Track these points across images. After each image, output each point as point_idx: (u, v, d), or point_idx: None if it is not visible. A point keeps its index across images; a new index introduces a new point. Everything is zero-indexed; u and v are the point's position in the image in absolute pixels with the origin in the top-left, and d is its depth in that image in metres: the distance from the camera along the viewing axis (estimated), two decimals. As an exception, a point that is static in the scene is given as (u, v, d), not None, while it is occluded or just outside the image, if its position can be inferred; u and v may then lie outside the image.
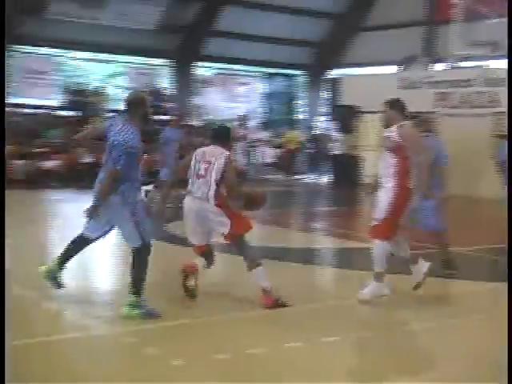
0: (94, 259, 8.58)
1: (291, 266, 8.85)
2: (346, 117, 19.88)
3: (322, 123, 26.65)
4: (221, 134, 6.91)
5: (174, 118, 15.35)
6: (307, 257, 9.73)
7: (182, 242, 10.30)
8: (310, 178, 23.16)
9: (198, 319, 6.16)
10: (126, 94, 6.50)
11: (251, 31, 25.51)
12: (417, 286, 6.97)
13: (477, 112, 17.84)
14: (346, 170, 20.01)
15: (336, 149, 22.53)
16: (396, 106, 7.00)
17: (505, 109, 17.43)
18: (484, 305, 7.15)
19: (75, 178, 17.31)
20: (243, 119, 22.85)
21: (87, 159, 18.63)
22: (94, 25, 21.62)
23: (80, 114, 21.46)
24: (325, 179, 21.96)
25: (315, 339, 5.61)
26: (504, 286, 7.89)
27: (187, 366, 4.98)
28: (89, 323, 6.05)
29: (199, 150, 6.76)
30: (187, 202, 6.70)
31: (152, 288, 6.37)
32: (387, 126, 6.89)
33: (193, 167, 6.67)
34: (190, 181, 6.69)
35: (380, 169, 6.80)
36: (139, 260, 6.06)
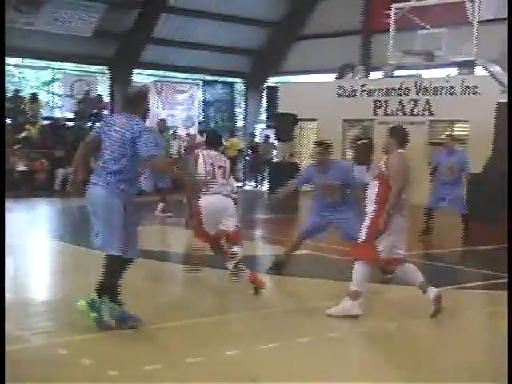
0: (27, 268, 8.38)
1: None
2: (284, 124, 20.00)
3: (261, 131, 26.78)
4: (215, 140, 7.84)
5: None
6: (246, 264, 9.71)
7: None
8: (249, 186, 23.22)
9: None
10: (129, 89, 6.56)
11: (189, 39, 25.47)
12: (435, 314, 6.74)
13: (412, 120, 18.21)
14: (284, 177, 20.07)
15: (274, 156, 22.67)
16: (395, 133, 6.96)
17: (438, 117, 17.92)
18: (420, 310, 7.26)
19: (10, 187, 16.91)
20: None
21: (22, 167, 18.26)
22: (28, 30, 21.20)
23: (12, 121, 20.94)
24: (264, 186, 22.04)
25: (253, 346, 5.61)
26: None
27: (122, 377, 4.91)
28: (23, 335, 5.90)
29: (206, 153, 7.52)
30: (212, 199, 7.37)
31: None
32: (386, 153, 6.85)
33: (207, 168, 7.42)
34: (212, 181, 7.42)
35: (368, 193, 6.88)
36: (117, 268, 5.86)
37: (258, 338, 5.87)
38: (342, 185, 8.21)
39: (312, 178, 8.45)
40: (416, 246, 11.67)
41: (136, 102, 5.98)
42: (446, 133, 17.94)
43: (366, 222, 6.76)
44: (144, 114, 6.01)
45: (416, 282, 6.87)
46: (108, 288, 5.84)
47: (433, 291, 6.76)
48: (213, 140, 7.83)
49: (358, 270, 6.70)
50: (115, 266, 5.83)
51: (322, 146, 8.40)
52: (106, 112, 23.58)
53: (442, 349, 5.89)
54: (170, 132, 24.35)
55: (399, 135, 6.93)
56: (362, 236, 6.75)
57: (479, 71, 16.53)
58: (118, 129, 5.84)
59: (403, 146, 6.91)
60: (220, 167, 7.51)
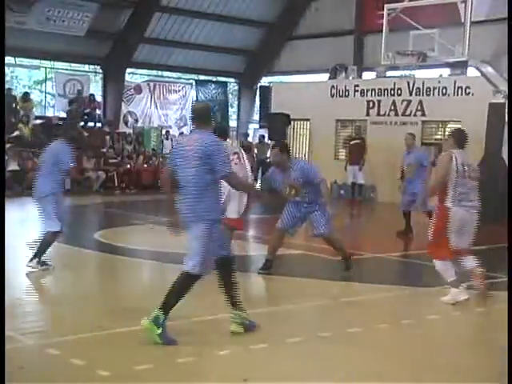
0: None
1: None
2: (277, 124, 20.00)
3: (254, 131, 26.77)
4: (223, 132, 8.26)
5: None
6: (239, 264, 9.72)
7: (112, 250, 10.28)
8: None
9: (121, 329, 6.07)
10: (194, 105, 6.76)
11: (182, 38, 25.47)
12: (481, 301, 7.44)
13: (405, 120, 18.25)
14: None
15: (268, 155, 22.62)
16: (456, 135, 7.69)
17: (431, 118, 17.97)
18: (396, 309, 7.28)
19: (1, 186, 16.85)
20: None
21: (14, 167, 18.19)
22: (20, 29, 21.13)
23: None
24: (257, 185, 22.00)
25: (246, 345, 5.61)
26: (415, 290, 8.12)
27: (113, 377, 4.91)
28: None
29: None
30: None
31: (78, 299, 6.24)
32: (439, 151, 7.71)
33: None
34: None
35: None
36: (186, 283, 5.81)
37: (249, 337, 5.86)
38: (305, 182, 8.41)
39: (275, 178, 8.72)
40: (404, 247, 11.73)
41: (205, 118, 6.02)
42: (439, 133, 18.05)
43: (432, 222, 7.55)
44: (211, 127, 6.20)
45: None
46: (173, 304, 5.75)
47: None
48: (222, 132, 8.14)
49: (439, 266, 7.42)
50: (189, 283, 5.80)
51: (277, 147, 8.67)
52: (98, 112, 23.54)
53: (432, 349, 5.90)
54: (164, 132, 24.39)
55: (459, 136, 7.63)
56: (431, 235, 7.44)
57: (471, 72, 16.57)
58: (191, 147, 5.82)
59: (462, 147, 7.60)
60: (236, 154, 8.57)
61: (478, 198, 7.58)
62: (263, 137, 23.66)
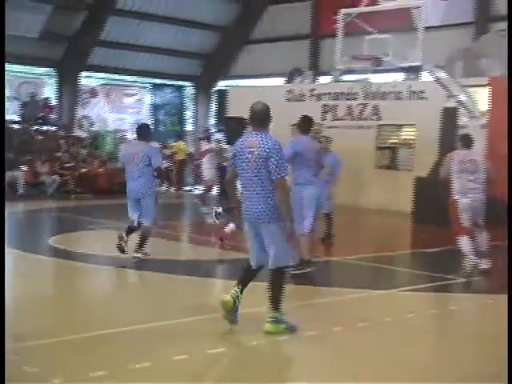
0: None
1: (179, 279, 8.82)
2: (234, 128, 19.96)
3: (211, 134, 26.67)
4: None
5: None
6: (195, 269, 9.70)
7: (66, 256, 10.13)
8: (198, 190, 23.08)
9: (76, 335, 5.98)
10: (252, 107, 6.54)
11: (138, 41, 25.32)
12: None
13: (361, 124, 18.40)
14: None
15: (224, 160, 22.56)
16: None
17: (386, 122, 18.15)
18: (364, 313, 7.32)
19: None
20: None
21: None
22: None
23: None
24: (213, 191, 21.94)
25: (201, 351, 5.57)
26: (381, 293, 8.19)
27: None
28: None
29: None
30: None
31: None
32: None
33: None
34: None
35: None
36: (281, 278, 6.19)
37: (206, 341, 5.83)
38: None
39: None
40: (364, 249, 11.80)
41: (265, 118, 6.30)
42: (394, 137, 18.23)
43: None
44: (268, 128, 6.28)
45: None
46: (280, 298, 6.15)
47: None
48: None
49: (462, 243, 9.21)
50: (283, 276, 6.23)
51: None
52: (53, 115, 23.24)
53: (388, 350, 5.94)
54: (118, 135, 24.17)
55: (465, 140, 9.38)
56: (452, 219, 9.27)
57: (425, 76, 16.80)
58: (254, 149, 6.06)
59: (468, 148, 9.41)
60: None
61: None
62: (219, 141, 23.60)
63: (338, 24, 15.27)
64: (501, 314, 7.44)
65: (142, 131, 9.81)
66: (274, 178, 5.98)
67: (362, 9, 15.88)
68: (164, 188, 21.88)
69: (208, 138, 17.32)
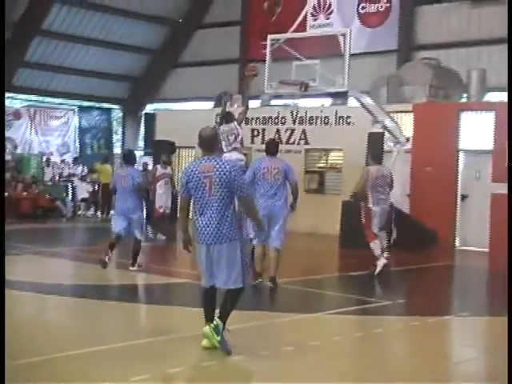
0: None
1: (107, 304, 8.63)
2: (162, 151, 19.81)
3: (139, 158, 26.40)
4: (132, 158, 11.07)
5: None
6: (122, 294, 9.53)
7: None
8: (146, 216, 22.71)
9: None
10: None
11: (64, 63, 24.94)
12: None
13: (289, 148, 18.54)
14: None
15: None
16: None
17: (314, 146, 18.35)
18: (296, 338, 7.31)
19: None
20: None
21: None
22: None
23: None
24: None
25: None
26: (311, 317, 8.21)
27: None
28: None
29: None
30: None
31: None
32: None
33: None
34: None
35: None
36: (238, 296, 6.39)
37: (129, 369, 5.69)
38: None
39: None
40: (292, 273, 11.81)
41: (214, 142, 6.51)
42: (322, 161, 18.45)
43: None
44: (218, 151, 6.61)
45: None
46: (229, 314, 6.35)
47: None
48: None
49: (373, 246, 11.24)
50: (240, 294, 6.41)
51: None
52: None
53: (314, 375, 5.93)
54: (44, 159, 23.65)
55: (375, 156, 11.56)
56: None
57: (352, 102, 17.09)
58: (211, 173, 6.24)
59: (379, 164, 11.80)
60: None
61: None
62: (146, 164, 23.37)
63: (266, 49, 15.37)
64: (426, 335, 7.55)
65: (129, 157, 11.40)
66: (242, 194, 6.30)
67: (290, 35, 16.10)
68: (90, 212, 21.50)
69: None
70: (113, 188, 11.24)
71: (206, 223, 6.25)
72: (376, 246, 11.23)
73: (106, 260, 10.57)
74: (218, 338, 6.11)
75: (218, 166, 6.25)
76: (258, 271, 9.74)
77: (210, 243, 6.26)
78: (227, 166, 6.25)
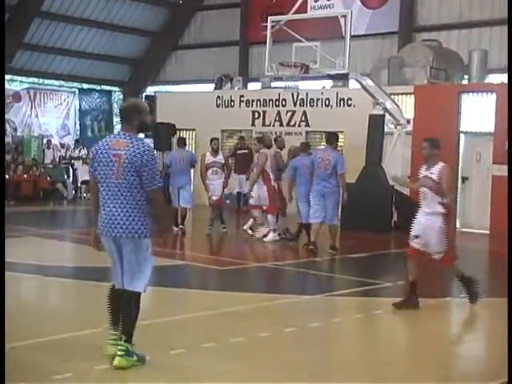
0: None
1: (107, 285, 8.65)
2: (162, 134, 19.81)
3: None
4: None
5: None
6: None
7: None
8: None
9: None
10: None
11: (64, 45, 24.84)
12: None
13: (290, 130, 18.53)
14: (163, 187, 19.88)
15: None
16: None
17: (315, 128, 18.32)
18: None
19: None
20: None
21: None
22: None
23: None
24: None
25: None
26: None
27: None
28: None
29: None
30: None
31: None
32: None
33: None
34: None
35: None
36: (138, 303, 5.33)
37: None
38: None
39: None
40: (293, 255, 11.86)
41: (133, 115, 5.30)
42: (323, 143, 18.43)
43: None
44: (139, 130, 5.36)
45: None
46: (133, 329, 5.32)
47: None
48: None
49: (270, 218, 12.64)
50: (138, 303, 5.34)
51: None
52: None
53: (316, 354, 5.97)
54: (44, 141, 23.63)
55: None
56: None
57: (353, 84, 17.04)
58: (121, 152, 5.17)
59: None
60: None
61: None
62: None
63: (267, 31, 15.30)
64: (426, 316, 7.59)
65: (180, 140, 14.50)
66: (148, 188, 5.19)
67: (291, 16, 15.97)
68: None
69: None
70: (167, 166, 13.73)
71: (112, 212, 5.20)
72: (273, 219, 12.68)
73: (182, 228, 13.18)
74: (135, 358, 5.27)
75: (131, 145, 5.18)
76: (312, 240, 11.48)
77: (115, 236, 5.23)
78: (141, 148, 5.16)
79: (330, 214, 11.43)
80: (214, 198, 13.61)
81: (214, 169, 13.76)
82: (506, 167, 11.93)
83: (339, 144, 17.66)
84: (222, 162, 13.91)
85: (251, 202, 13.01)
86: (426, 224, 7.63)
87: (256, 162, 13.09)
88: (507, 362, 4.80)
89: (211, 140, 14.22)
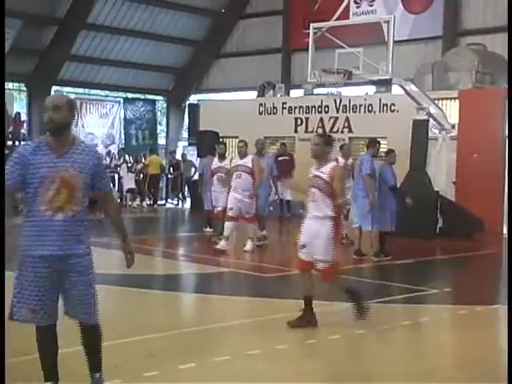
0: None
1: (155, 293, 8.77)
2: (206, 142, 19.96)
3: (183, 148, 26.67)
4: None
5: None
6: (170, 283, 9.66)
7: None
8: (170, 204, 23.01)
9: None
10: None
11: (109, 56, 25.25)
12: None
13: (333, 137, 18.47)
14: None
15: (194, 174, 22.56)
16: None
17: (358, 134, 18.26)
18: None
19: None
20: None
21: None
22: None
23: None
24: (187, 204, 21.93)
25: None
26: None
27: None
28: None
29: None
30: None
31: None
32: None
33: None
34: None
35: None
36: (101, 334, 4.58)
37: (177, 357, 5.78)
38: None
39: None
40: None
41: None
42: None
43: None
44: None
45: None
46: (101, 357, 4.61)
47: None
48: None
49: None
50: (101, 333, 4.58)
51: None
52: (23, 131, 23.03)
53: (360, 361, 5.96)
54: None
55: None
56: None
57: (396, 89, 16.95)
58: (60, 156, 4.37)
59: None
60: None
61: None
62: (185, 154, 23.53)
63: (309, 38, 15.33)
64: (473, 324, 7.49)
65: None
66: (105, 191, 4.65)
67: (333, 23, 16.00)
68: (136, 203, 21.79)
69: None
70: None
71: (48, 230, 4.32)
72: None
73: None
74: None
75: (74, 148, 4.39)
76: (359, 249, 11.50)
77: (51, 259, 4.34)
78: (88, 149, 4.47)
79: (361, 219, 11.42)
80: (218, 208, 12.45)
81: (219, 174, 12.61)
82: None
83: (383, 149, 17.74)
84: (228, 167, 12.35)
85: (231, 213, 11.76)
86: (313, 229, 6.78)
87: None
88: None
89: (218, 143, 13.50)
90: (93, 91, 27.25)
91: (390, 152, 11.92)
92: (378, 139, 12.58)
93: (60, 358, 4.52)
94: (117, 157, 23.71)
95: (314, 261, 6.76)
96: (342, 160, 12.41)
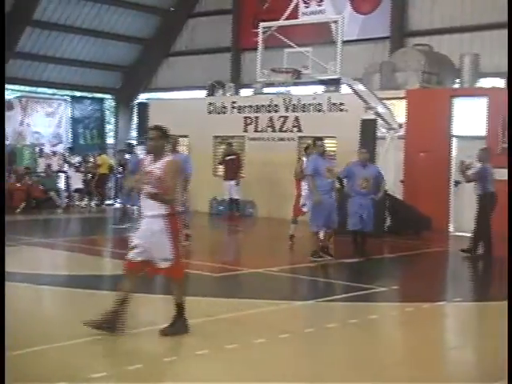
0: None
1: (102, 293, 8.63)
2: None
3: (133, 147, 26.34)
4: None
5: None
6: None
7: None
8: (120, 203, 22.69)
9: None
10: None
11: (56, 53, 24.84)
12: None
13: (282, 136, 18.54)
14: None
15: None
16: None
17: (307, 134, 18.33)
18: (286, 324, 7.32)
19: None
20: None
21: None
22: None
23: None
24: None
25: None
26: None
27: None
28: None
29: None
30: None
31: None
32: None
33: None
34: None
35: None
36: None
37: (124, 358, 5.71)
38: None
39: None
40: (284, 261, 11.85)
41: None
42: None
43: None
44: None
45: None
46: None
47: None
48: None
49: None
50: None
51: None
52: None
53: (309, 361, 5.96)
54: (36, 149, 23.57)
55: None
56: None
57: (344, 89, 17.07)
58: None
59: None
60: None
61: None
62: (139, 153, 23.17)
63: (258, 37, 15.32)
64: (420, 321, 7.57)
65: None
66: None
67: (282, 22, 15.99)
68: (84, 203, 21.46)
69: (130, 152, 17.11)
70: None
71: None
72: None
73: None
74: None
75: None
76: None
77: None
78: None
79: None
80: None
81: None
82: (497, 170, 11.97)
83: (332, 149, 17.87)
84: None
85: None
86: (147, 230, 6.44)
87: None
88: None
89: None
90: (39, 89, 26.74)
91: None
92: (323, 138, 12.43)
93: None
94: (67, 156, 23.23)
95: (154, 261, 6.44)
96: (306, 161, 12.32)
